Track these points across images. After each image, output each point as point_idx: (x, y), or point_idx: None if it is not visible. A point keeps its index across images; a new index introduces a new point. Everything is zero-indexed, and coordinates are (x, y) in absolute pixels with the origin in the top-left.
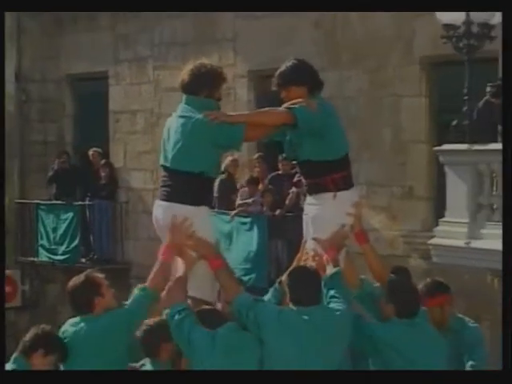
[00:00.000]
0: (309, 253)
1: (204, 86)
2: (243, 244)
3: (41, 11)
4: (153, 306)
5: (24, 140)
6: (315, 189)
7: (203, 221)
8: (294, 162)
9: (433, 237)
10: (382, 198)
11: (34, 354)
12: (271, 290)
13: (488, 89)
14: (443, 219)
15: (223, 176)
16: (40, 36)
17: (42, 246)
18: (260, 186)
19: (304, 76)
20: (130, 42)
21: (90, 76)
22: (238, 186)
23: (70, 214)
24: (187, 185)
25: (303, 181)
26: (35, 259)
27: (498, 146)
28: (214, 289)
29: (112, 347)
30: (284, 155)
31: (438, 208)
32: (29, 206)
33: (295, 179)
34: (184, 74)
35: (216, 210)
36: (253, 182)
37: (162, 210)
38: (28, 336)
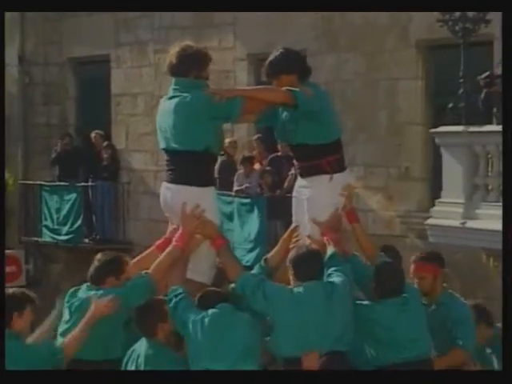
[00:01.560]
0: (303, 236)
1: (192, 67)
2: (244, 224)
3: (41, 11)
4: (148, 295)
5: (27, 122)
6: (309, 171)
7: (210, 202)
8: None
9: (429, 217)
10: (378, 179)
11: (11, 320)
12: (256, 266)
13: (481, 83)
14: (439, 200)
15: (223, 157)
16: (42, 20)
17: (45, 226)
18: (257, 167)
19: (293, 64)
20: (131, 25)
21: (91, 59)
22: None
23: (73, 195)
24: (193, 165)
25: (295, 163)
26: (39, 239)
27: (494, 127)
28: (210, 271)
29: (104, 320)
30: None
31: (434, 189)
32: (32, 187)
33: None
34: (171, 56)
35: (217, 191)
36: (246, 160)
37: (170, 194)
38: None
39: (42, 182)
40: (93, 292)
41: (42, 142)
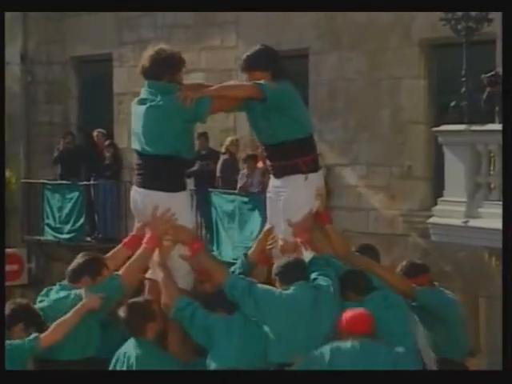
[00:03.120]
0: (278, 237)
1: (165, 71)
2: (245, 223)
3: (41, 11)
4: (118, 296)
5: (30, 121)
6: (284, 171)
7: (182, 206)
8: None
9: (431, 216)
10: (381, 178)
11: (14, 328)
12: (238, 261)
13: (485, 81)
14: (442, 198)
15: (225, 156)
16: (45, 19)
17: (47, 224)
18: (260, 165)
19: (268, 62)
20: (134, 24)
21: (94, 58)
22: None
23: (75, 194)
24: (161, 169)
25: (268, 163)
26: (41, 238)
27: (495, 126)
28: (188, 276)
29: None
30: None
31: (437, 187)
32: (35, 185)
33: None
34: (144, 60)
35: (219, 189)
36: (250, 158)
37: (140, 198)
38: (6, 311)
39: (45, 181)
40: (63, 293)
41: (44, 140)
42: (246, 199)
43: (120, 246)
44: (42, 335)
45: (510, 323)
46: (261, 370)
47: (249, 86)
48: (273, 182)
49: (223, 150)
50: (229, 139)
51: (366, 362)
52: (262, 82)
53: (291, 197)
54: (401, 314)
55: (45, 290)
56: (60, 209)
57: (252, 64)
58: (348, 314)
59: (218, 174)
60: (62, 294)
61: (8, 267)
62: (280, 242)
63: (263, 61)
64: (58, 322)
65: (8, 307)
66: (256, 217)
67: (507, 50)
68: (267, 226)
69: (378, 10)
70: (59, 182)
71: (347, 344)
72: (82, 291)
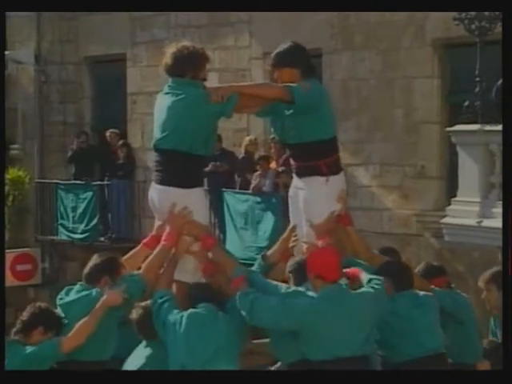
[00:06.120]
0: (300, 239)
1: (187, 68)
2: (258, 223)
3: (42, 11)
4: (139, 294)
5: (44, 121)
6: (306, 172)
7: (197, 203)
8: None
9: (445, 216)
10: (394, 178)
11: (34, 331)
12: (256, 262)
13: None
14: (455, 198)
15: (242, 155)
16: (58, 19)
17: (61, 224)
18: (273, 165)
19: (298, 59)
20: (147, 24)
21: (107, 58)
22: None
23: (89, 194)
24: (179, 166)
25: (292, 163)
26: (55, 238)
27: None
28: (196, 271)
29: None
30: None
31: (450, 187)
32: (49, 185)
33: None
34: (167, 57)
35: (232, 189)
36: (262, 159)
37: (156, 195)
38: (26, 315)
39: (58, 181)
40: (85, 292)
41: (58, 140)
42: (259, 199)
43: (140, 245)
44: (64, 339)
45: (510, 323)
46: (261, 371)
47: (278, 88)
48: (295, 181)
49: (242, 149)
50: (247, 139)
51: (337, 310)
52: (293, 84)
53: (312, 198)
54: (431, 314)
55: (65, 289)
56: (74, 209)
57: (281, 61)
58: (320, 257)
59: (236, 173)
60: (84, 293)
61: (22, 267)
62: (304, 246)
63: (293, 58)
64: (78, 325)
65: (28, 311)
66: (269, 217)
67: (507, 49)
68: (290, 226)
69: (391, 10)
70: (73, 181)
71: (315, 298)
72: (103, 288)
